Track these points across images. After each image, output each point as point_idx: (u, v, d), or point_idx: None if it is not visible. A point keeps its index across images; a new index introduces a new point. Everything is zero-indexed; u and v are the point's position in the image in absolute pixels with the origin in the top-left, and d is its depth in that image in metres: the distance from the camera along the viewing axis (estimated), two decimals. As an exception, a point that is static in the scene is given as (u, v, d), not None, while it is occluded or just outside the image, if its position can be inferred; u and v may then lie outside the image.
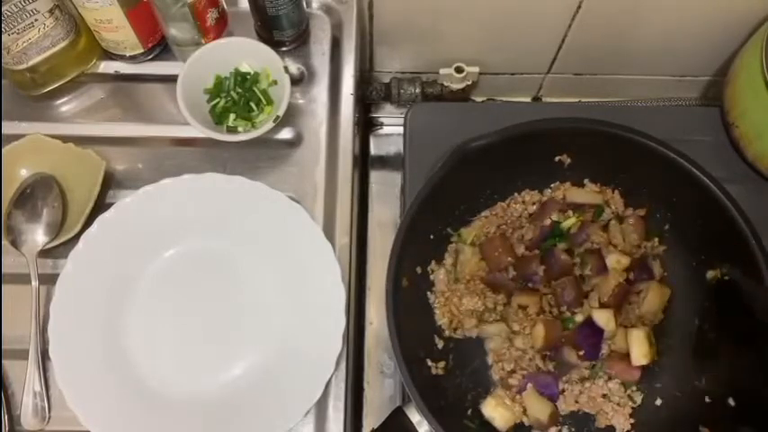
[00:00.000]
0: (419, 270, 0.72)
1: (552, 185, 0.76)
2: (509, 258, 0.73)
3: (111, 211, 0.71)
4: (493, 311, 0.73)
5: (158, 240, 0.72)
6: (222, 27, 0.77)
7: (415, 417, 0.61)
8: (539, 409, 0.69)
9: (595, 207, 0.75)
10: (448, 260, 0.74)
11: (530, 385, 0.70)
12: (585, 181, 0.75)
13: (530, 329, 0.71)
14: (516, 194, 0.76)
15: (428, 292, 0.73)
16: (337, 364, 0.67)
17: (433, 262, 0.73)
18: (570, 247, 0.74)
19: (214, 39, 0.76)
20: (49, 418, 0.67)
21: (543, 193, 0.76)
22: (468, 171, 0.69)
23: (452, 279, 0.73)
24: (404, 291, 0.66)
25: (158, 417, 0.67)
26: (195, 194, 0.72)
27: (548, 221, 0.74)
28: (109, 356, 0.68)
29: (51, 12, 0.71)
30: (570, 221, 0.74)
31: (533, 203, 0.76)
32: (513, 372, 0.71)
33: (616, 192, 0.75)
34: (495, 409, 0.69)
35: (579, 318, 0.71)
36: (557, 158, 0.74)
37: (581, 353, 0.71)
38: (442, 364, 0.70)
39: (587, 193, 0.75)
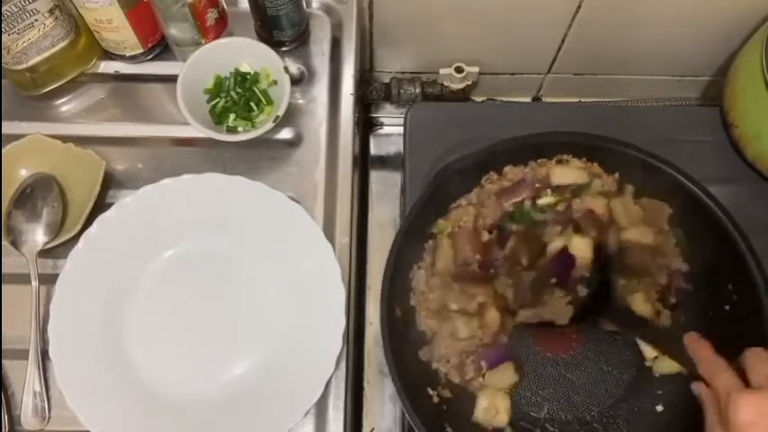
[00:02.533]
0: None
1: (539, 161, 0.71)
2: (477, 255, 0.69)
3: (111, 211, 0.71)
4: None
5: (158, 240, 0.72)
6: (222, 27, 0.77)
7: None
8: (503, 379, 0.69)
9: (578, 186, 0.70)
10: (426, 260, 0.71)
11: (483, 363, 0.68)
12: (569, 157, 0.71)
13: (479, 319, 0.68)
14: (493, 173, 0.71)
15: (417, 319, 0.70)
16: (337, 363, 0.67)
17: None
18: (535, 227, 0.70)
19: (214, 39, 0.76)
20: (49, 418, 0.67)
21: (528, 166, 0.71)
22: (445, 193, 0.68)
23: (430, 279, 0.70)
24: (398, 321, 0.65)
25: (158, 417, 0.67)
26: (195, 194, 0.72)
27: (509, 206, 0.70)
28: (109, 356, 0.68)
29: (51, 12, 0.71)
30: (548, 199, 0.70)
31: (509, 181, 0.71)
32: (462, 365, 0.68)
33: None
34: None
35: (558, 244, 0.68)
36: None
37: (553, 280, 0.69)
38: (445, 391, 0.68)
39: (572, 171, 0.71)
